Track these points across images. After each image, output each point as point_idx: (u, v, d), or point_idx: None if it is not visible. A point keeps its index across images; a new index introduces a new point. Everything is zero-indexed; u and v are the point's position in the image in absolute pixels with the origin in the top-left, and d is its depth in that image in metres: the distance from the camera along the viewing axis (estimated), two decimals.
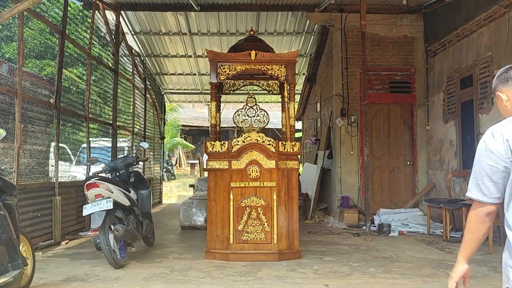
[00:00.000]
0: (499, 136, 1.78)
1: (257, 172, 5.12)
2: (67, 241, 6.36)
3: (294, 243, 5.20)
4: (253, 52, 5.30)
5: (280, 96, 6.45)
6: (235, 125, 6.46)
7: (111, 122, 8.68)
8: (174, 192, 16.44)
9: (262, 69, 5.41)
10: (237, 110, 6.22)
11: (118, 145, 9.04)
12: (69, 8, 6.83)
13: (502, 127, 1.82)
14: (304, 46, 11.49)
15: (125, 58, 9.85)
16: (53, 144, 6.43)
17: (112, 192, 4.79)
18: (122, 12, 9.16)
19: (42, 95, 6.18)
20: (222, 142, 5.22)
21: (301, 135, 15.14)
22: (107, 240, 4.57)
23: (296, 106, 13.24)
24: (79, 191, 6.74)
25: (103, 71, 8.49)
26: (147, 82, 11.50)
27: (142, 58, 11.57)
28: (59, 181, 6.34)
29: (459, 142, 7.42)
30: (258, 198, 5.13)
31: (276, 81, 6.25)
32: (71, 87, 7.41)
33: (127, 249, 5.01)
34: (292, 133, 5.50)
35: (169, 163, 21.51)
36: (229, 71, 5.39)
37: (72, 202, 6.83)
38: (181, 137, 25.31)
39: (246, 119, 6.17)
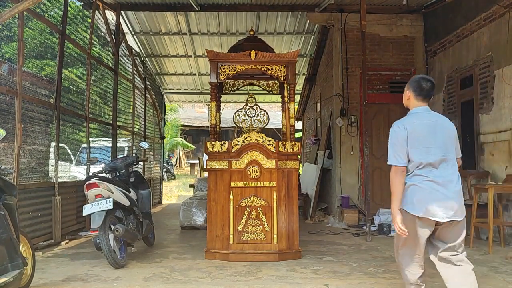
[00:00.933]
0: (403, 126, 3.17)
1: (257, 172, 5.12)
2: (67, 241, 6.36)
3: (294, 243, 5.20)
4: (253, 52, 5.30)
5: (280, 96, 6.45)
6: (235, 125, 6.46)
7: (111, 122, 8.68)
8: (174, 192, 16.45)
9: (262, 69, 5.40)
10: (237, 110, 6.22)
11: (118, 145, 9.03)
12: (69, 8, 6.83)
13: (404, 120, 3.25)
14: (304, 46, 11.50)
15: (125, 58, 9.85)
16: (53, 144, 6.43)
17: (112, 192, 4.79)
18: (122, 12, 9.17)
19: (42, 95, 6.18)
20: (222, 142, 5.22)
21: (301, 135, 15.15)
22: (107, 240, 4.57)
23: (296, 106, 13.25)
24: (79, 191, 6.74)
25: (103, 71, 8.49)
26: (147, 82, 11.50)
27: (142, 58, 11.57)
28: (59, 181, 6.34)
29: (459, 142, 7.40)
30: (258, 198, 5.13)
31: (276, 81, 6.25)
32: (71, 87, 7.41)
33: (127, 249, 5.01)
34: (292, 133, 5.50)
35: (169, 163, 21.51)
36: (229, 71, 5.39)
37: (72, 202, 6.83)
38: (181, 137, 25.32)
39: (246, 119, 6.16)
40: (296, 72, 12.13)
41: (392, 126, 3.27)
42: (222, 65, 5.39)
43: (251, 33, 6.05)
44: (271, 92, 6.63)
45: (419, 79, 3.32)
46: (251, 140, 5.17)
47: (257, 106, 6.20)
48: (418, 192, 3.01)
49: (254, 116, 6.17)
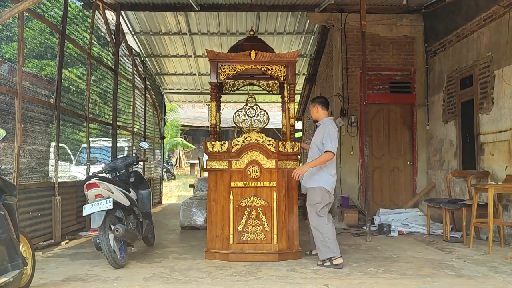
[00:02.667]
0: (335, 124, 5.12)
1: (257, 172, 5.12)
2: (67, 241, 6.36)
3: (294, 243, 5.20)
4: (253, 52, 5.30)
5: (280, 96, 6.45)
6: (235, 125, 6.46)
7: (111, 122, 8.68)
8: (174, 192, 16.45)
9: (262, 69, 5.40)
10: (237, 110, 6.21)
11: (118, 145, 9.03)
12: (69, 8, 6.82)
13: (332, 123, 5.04)
14: (304, 46, 11.49)
15: (125, 58, 9.85)
16: (53, 144, 6.42)
17: (112, 192, 4.79)
18: (122, 12, 9.16)
19: (42, 95, 6.18)
20: (222, 142, 5.22)
21: (301, 135, 15.15)
22: (107, 240, 4.56)
23: (296, 106, 13.24)
24: (79, 191, 6.73)
25: (103, 71, 8.48)
26: (147, 82, 11.50)
27: (142, 58, 11.57)
28: (59, 181, 6.34)
29: (459, 142, 7.42)
30: (258, 198, 5.12)
31: (276, 81, 6.25)
32: (71, 87, 7.41)
33: (127, 249, 5.01)
34: (292, 133, 5.50)
35: (169, 163, 21.51)
36: (229, 71, 5.39)
37: (72, 202, 6.83)
38: (181, 137, 25.33)
39: (246, 119, 6.16)
40: (296, 72, 12.13)
41: (330, 125, 4.94)
42: (222, 65, 5.39)
43: (251, 33, 6.05)
44: (271, 92, 6.62)
45: (321, 97, 5.34)
46: (251, 140, 5.17)
47: (257, 106, 6.19)
48: (333, 177, 4.98)
49: (254, 116, 6.16)
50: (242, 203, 5.12)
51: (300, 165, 5.30)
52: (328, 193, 4.91)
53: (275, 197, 5.11)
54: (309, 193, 5.01)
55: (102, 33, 8.65)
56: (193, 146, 26.17)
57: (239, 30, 10.36)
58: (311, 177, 4.99)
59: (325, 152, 4.81)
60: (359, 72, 8.35)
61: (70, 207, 6.76)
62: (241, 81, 6.57)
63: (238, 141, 5.18)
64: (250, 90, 10.91)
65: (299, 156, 5.45)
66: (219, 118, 6.26)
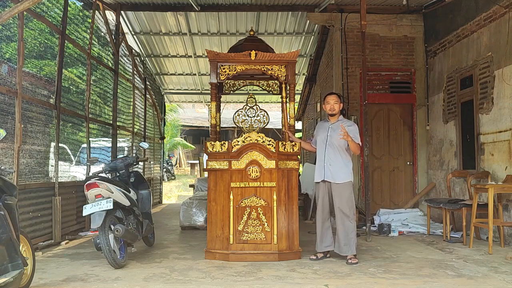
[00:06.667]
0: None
1: (257, 172, 5.12)
2: (67, 241, 6.36)
3: (294, 243, 5.20)
4: (253, 52, 5.30)
5: (280, 96, 6.45)
6: (235, 125, 6.45)
7: (111, 122, 8.68)
8: (174, 192, 16.46)
9: (262, 69, 5.40)
10: (237, 110, 6.21)
11: (118, 145, 9.03)
12: (69, 8, 6.82)
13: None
14: (304, 46, 11.50)
15: (125, 58, 9.85)
16: (53, 144, 6.42)
17: (112, 192, 4.79)
18: (122, 12, 9.16)
19: (42, 95, 6.18)
20: (222, 142, 5.22)
21: (301, 135, 15.16)
22: (107, 240, 4.56)
23: (296, 106, 13.24)
24: (79, 191, 6.73)
25: (103, 71, 8.48)
26: (147, 82, 11.50)
27: (142, 58, 11.57)
28: (59, 181, 6.34)
29: (459, 142, 7.42)
30: (258, 198, 5.12)
31: (276, 81, 6.25)
32: (71, 87, 7.41)
33: (127, 249, 5.01)
34: (292, 133, 5.50)
35: (169, 163, 21.51)
36: (229, 71, 5.39)
37: (72, 202, 6.83)
38: (181, 137, 25.34)
39: (246, 119, 6.16)
40: (296, 72, 12.14)
41: (354, 123, 5.37)
42: (222, 65, 5.39)
43: (251, 33, 6.04)
44: (271, 92, 6.62)
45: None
46: (251, 140, 5.17)
47: (257, 106, 6.19)
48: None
49: (254, 116, 6.16)
50: (242, 203, 5.12)
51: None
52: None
53: (275, 197, 5.11)
54: (342, 188, 5.05)
55: (102, 33, 8.65)
56: (193, 146, 26.18)
57: (239, 30, 10.36)
58: (341, 172, 5.09)
59: (358, 144, 5.13)
60: (359, 72, 8.35)
61: (70, 207, 6.76)
62: (241, 81, 6.56)
63: (238, 141, 5.18)
64: (250, 90, 10.92)
65: (299, 156, 5.45)
66: (219, 118, 6.25)
